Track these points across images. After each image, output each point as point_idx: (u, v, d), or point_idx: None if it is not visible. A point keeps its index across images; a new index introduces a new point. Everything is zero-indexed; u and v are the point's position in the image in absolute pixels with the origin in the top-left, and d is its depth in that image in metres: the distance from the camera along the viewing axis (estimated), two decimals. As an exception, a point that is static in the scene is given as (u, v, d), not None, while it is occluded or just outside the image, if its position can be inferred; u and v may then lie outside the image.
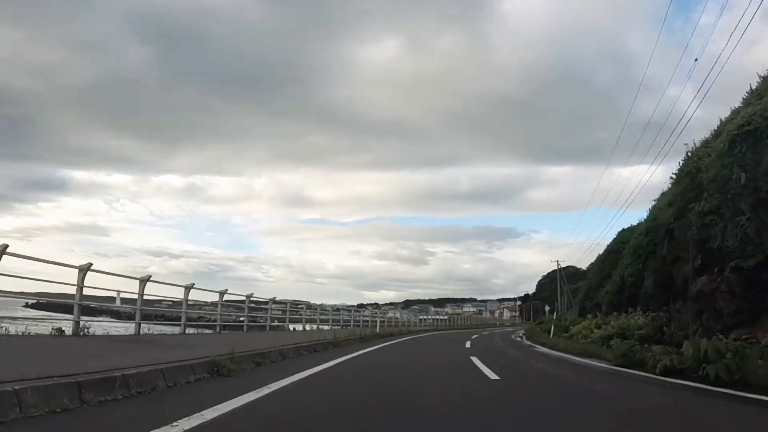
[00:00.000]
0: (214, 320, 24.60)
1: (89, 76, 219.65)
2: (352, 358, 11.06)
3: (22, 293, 13.35)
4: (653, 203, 25.50)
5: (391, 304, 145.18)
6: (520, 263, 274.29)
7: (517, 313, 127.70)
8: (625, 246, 27.64)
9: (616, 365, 11.02)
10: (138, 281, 11.34)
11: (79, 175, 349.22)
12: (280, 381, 6.27)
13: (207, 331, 16.64)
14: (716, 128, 19.10)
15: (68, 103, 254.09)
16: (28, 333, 9.26)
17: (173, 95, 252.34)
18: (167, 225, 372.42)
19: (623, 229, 33.15)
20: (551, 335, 26.07)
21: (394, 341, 20.86)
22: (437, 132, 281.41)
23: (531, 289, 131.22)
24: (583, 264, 68.33)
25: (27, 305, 28.82)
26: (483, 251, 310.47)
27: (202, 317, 27.10)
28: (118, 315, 26.20)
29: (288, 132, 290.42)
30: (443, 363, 11.49)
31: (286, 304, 22.31)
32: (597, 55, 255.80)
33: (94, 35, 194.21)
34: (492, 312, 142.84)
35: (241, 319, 22.37)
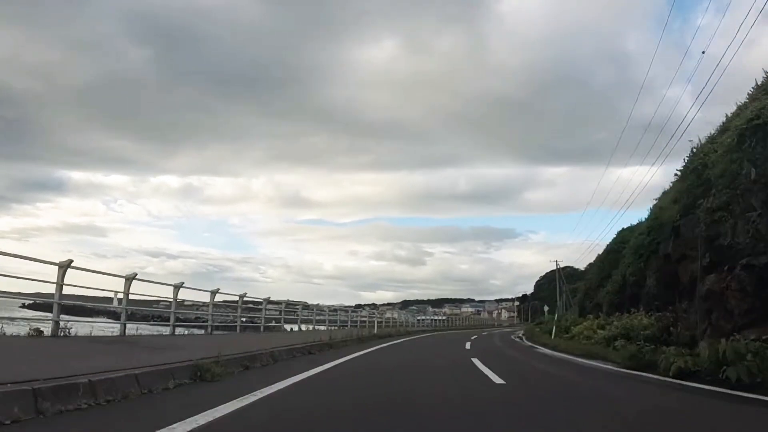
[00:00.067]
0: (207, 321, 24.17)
1: (88, 76, 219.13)
2: (348, 360, 10.53)
3: (19, 294, 12.89)
4: (654, 202, 25.23)
5: (388, 304, 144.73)
6: (518, 264, 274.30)
7: (515, 314, 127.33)
8: (625, 245, 27.38)
9: (624, 367, 10.55)
10: (123, 279, 10.79)
11: (77, 175, 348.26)
12: (269, 387, 5.75)
13: (198, 331, 16.10)
14: (721, 124, 18.76)
15: (67, 103, 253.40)
16: (3, 333, 8.70)
17: (172, 95, 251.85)
18: (165, 225, 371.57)
19: (623, 228, 33.00)
20: (552, 336, 25.61)
21: (393, 342, 20.36)
22: (436, 132, 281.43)
23: (529, 289, 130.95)
24: (581, 264, 68.06)
25: (24, 306, 28.44)
26: (481, 252, 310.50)
27: (199, 318, 26.65)
28: (116, 316, 25.83)
29: (287, 132, 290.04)
30: (444, 364, 11.02)
31: (281, 304, 21.76)
32: (594, 56, 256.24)
33: (93, 35, 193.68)
34: (490, 312, 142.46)
35: (240, 319, 21.89)
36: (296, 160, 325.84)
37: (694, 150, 18.75)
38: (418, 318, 58.85)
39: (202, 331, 15.95)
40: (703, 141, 18.82)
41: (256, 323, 19.93)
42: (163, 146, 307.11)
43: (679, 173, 19.63)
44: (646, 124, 65.52)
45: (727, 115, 18.74)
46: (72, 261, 8.99)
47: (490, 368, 9.27)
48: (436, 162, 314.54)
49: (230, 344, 9.89)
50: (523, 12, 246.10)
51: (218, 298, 19.49)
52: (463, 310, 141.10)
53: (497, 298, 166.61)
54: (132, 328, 14.95)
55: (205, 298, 15.38)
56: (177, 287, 12.94)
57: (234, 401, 4.64)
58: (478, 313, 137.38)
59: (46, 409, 3.77)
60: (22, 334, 9.26)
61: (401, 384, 7.18)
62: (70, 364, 5.22)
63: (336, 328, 26.39)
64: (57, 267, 8.94)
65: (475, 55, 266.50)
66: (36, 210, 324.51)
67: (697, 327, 13.50)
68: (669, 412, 5.50)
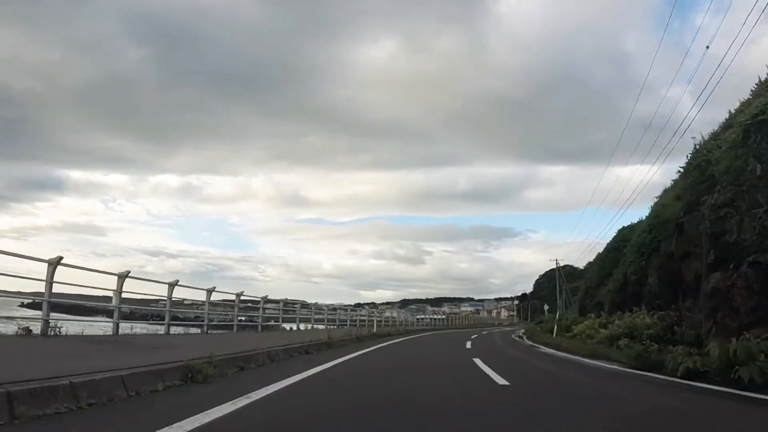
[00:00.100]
0: (211, 320, 23.90)
1: (88, 76, 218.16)
2: (347, 360, 10.27)
3: (19, 293, 12.69)
4: (655, 200, 25.06)
5: (388, 303, 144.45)
6: (517, 263, 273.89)
7: (515, 313, 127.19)
8: (626, 244, 27.28)
9: (630, 367, 10.29)
10: (116, 277, 10.53)
11: (76, 174, 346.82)
12: (264, 388, 5.50)
13: (195, 330, 15.84)
14: (724, 121, 18.59)
15: (67, 103, 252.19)
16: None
17: (172, 95, 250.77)
18: (164, 225, 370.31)
19: (623, 227, 32.98)
20: (554, 335, 25.39)
21: (392, 341, 20.11)
22: (435, 132, 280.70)
23: (528, 288, 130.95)
24: (581, 263, 67.92)
25: (23, 305, 28.24)
26: (480, 251, 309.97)
27: (198, 317, 26.44)
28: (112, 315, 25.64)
29: (286, 132, 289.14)
30: (446, 365, 10.79)
31: (279, 302, 21.51)
32: (593, 56, 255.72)
33: (93, 35, 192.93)
34: (489, 311, 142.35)
35: (238, 318, 21.67)
36: (296, 160, 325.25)
37: (697, 147, 18.57)
38: (418, 317, 58.63)
39: (198, 330, 15.68)
40: (705, 138, 18.65)
41: (255, 322, 19.70)
42: (163, 145, 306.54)
43: (681, 170, 19.42)
44: (646, 124, 65.53)
45: (730, 112, 18.57)
46: (62, 258, 8.74)
47: (492, 368, 9.01)
48: (436, 161, 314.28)
49: (225, 344, 9.65)
50: (523, 12, 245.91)
51: (217, 297, 19.29)
52: (463, 309, 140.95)
53: (496, 297, 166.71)
54: (127, 328, 14.71)
55: (203, 296, 15.14)
56: (171, 285, 12.68)
57: (226, 404, 4.39)
58: (478, 312, 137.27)
59: (21, 413, 3.52)
60: (10, 333, 8.99)
61: (401, 384, 6.99)
62: (54, 365, 4.97)
63: (335, 327, 26.14)
64: (47, 264, 8.68)
65: (474, 55, 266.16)
66: (35, 209, 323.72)
67: (702, 326, 13.28)
68: (679, 414, 5.27)
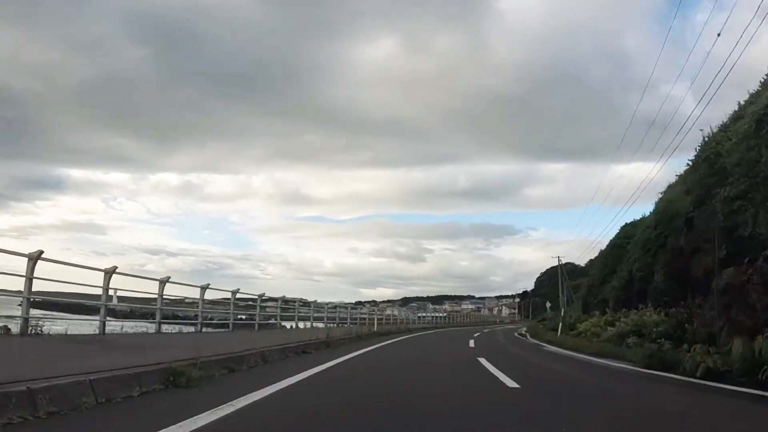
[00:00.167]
0: (211, 318, 23.48)
1: (88, 76, 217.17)
2: (345, 360, 9.77)
3: (19, 292, 12.16)
4: (660, 195, 24.62)
5: (389, 301, 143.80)
6: (518, 260, 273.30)
7: (516, 311, 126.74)
8: (629, 241, 26.99)
9: (644, 367, 9.79)
10: (103, 273, 10.03)
11: (77, 173, 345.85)
12: (255, 393, 5.00)
13: (188, 329, 15.36)
14: (734, 112, 18.15)
15: (67, 103, 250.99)
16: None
17: (172, 95, 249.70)
18: (164, 223, 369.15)
19: (626, 224, 32.68)
20: (559, 333, 24.92)
21: (393, 340, 19.63)
22: (435, 130, 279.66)
23: (529, 286, 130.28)
24: (582, 261, 67.44)
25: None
26: (481, 248, 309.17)
27: (198, 315, 26.09)
28: (113, 313, 25.43)
29: (286, 131, 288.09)
30: (450, 365, 10.34)
31: (277, 300, 21.03)
32: (593, 54, 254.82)
33: (93, 35, 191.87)
34: (490, 309, 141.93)
35: (239, 316, 21.23)
36: (296, 158, 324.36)
37: (706, 139, 18.08)
38: (419, 315, 58.18)
39: (192, 329, 15.19)
40: (714, 130, 18.17)
41: (253, 321, 19.22)
42: (163, 144, 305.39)
43: (689, 164, 18.94)
44: (645, 121, 65.02)
45: (739, 103, 18.12)
46: (42, 252, 8.23)
47: (499, 369, 8.50)
48: (436, 159, 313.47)
49: (218, 343, 9.18)
50: (522, 10, 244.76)
51: (214, 295, 18.81)
52: (464, 307, 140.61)
53: (497, 294, 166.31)
54: (118, 326, 14.27)
55: (201, 293, 14.63)
56: (162, 282, 12.18)
57: (204, 414, 3.88)
58: (479, 310, 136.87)
59: (-38, 427, 3.03)
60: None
61: (403, 384, 6.53)
62: (17, 368, 4.47)
63: (334, 325, 25.68)
64: (27, 259, 8.19)
65: (474, 54, 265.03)
66: (35, 208, 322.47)
67: (715, 323, 12.79)
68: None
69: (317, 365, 8.11)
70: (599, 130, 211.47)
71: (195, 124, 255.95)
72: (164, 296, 12.55)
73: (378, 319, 30.94)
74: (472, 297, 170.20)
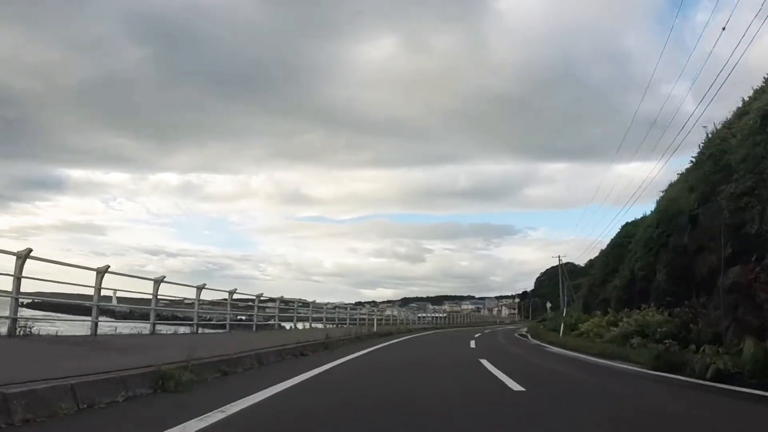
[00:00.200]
0: (210, 318, 23.25)
1: (88, 76, 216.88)
2: (344, 363, 9.50)
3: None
4: (661, 194, 24.40)
5: (388, 302, 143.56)
6: (518, 260, 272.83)
7: (516, 311, 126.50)
8: (630, 240, 26.83)
9: (651, 369, 9.53)
10: (95, 273, 9.77)
11: (76, 173, 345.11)
12: (247, 398, 4.72)
13: (184, 330, 15.10)
14: (737, 108, 17.93)
15: (67, 103, 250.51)
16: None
17: (172, 95, 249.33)
18: (164, 223, 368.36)
19: (627, 223, 32.53)
20: (561, 334, 24.67)
21: (393, 341, 19.37)
22: (435, 130, 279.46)
23: (528, 286, 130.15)
24: (581, 261, 67.20)
25: (22, 305, 27.67)
26: (480, 248, 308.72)
27: (200, 317, 25.93)
28: (112, 314, 25.29)
29: (286, 130, 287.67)
30: (452, 366, 10.09)
31: (275, 301, 20.77)
32: (593, 54, 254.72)
33: (93, 35, 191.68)
34: (490, 309, 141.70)
35: (240, 317, 20.99)
36: (296, 158, 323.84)
37: (709, 135, 17.86)
38: (419, 315, 57.94)
39: (188, 330, 14.94)
40: (718, 127, 17.96)
41: (252, 322, 18.97)
42: (163, 144, 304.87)
43: (693, 160, 18.72)
44: (645, 121, 64.74)
45: (743, 99, 17.88)
46: (31, 250, 7.97)
47: (502, 371, 8.23)
48: (436, 159, 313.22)
49: (214, 345, 8.93)
50: (523, 10, 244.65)
51: (214, 295, 18.57)
52: (463, 307, 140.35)
53: (497, 294, 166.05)
54: (112, 327, 14.03)
55: (197, 294, 14.41)
56: (157, 282, 11.92)
57: (192, 422, 3.63)
58: (478, 310, 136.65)
59: None
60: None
61: (403, 383, 6.20)
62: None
63: (333, 326, 25.43)
64: (15, 258, 7.93)
65: (474, 54, 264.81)
66: (35, 209, 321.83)
67: (720, 323, 12.55)
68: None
69: (314, 368, 7.84)
70: (599, 130, 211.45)
71: (195, 124, 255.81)
72: (161, 297, 12.33)
73: (377, 320, 30.68)
74: (472, 297, 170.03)
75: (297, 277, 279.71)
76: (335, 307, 30.03)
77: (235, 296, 17.44)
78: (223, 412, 4.03)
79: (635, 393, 6.74)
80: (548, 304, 49.47)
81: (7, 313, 10.34)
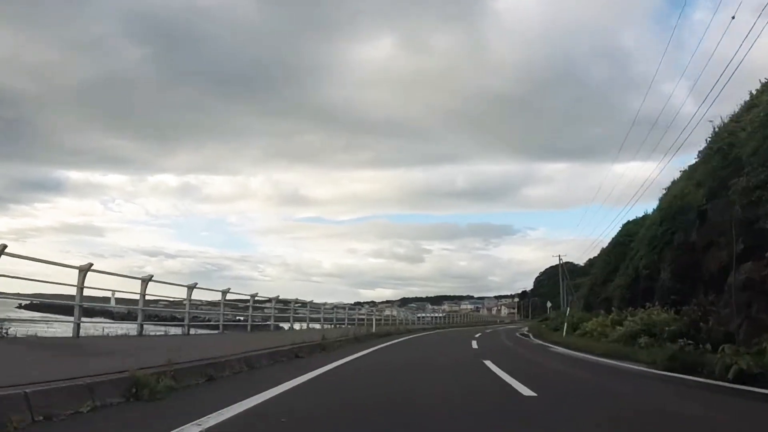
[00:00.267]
0: (208, 319, 22.78)
1: (87, 76, 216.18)
2: (340, 366, 8.99)
3: (18, 294, 11.62)
4: (664, 192, 24.03)
5: (387, 302, 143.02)
6: (517, 260, 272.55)
7: (515, 311, 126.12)
8: (631, 239, 26.57)
9: (663, 369, 9.06)
10: (78, 271, 9.26)
11: (75, 175, 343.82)
12: (227, 408, 4.20)
13: (176, 331, 14.62)
14: (745, 102, 17.55)
15: (66, 103, 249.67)
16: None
17: (171, 95, 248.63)
18: (163, 225, 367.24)
19: (628, 221, 32.26)
20: (564, 334, 24.23)
21: (392, 341, 18.90)
22: (435, 130, 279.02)
23: (528, 286, 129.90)
24: (581, 261, 66.84)
25: (20, 306, 27.35)
26: (479, 248, 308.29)
27: (197, 317, 25.50)
28: (111, 315, 24.92)
29: (285, 131, 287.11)
30: (454, 367, 9.65)
31: (271, 301, 20.27)
32: (593, 54, 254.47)
33: (93, 35, 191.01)
34: (489, 309, 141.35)
35: (238, 318, 20.51)
36: (295, 158, 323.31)
37: (716, 129, 17.43)
38: (418, 315, 57.49)
39: (180, 331, 14.44)
40: (725, 120, 17.55)
41: (246, 322, 18.48)
42: (162, 145, 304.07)
43: (699, 156, 18.31)
44: (646, 120, 64.47)
45: (751, 93, 17.49)
46: (6, 246, 7.46)
47: (509, 374, 7.72)
48: (435, 159, 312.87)
49: (203, 346, 8.44)
50: (522, 10, 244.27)
51: (209, 296, 18.07)
52: (462, 307, 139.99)
53: (496, 294, 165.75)
54: (109, 328, 13.59)
55: (199, 295, 13.97)
56: (145, 281, 11.41)
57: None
58: (478, 310, 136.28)
59: None
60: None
61: (403, 383, 5.71)
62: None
63: (331, 326, 24.93)
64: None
65: (474, 54, 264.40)
66: (34, 210, 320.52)
67: (732, 321, 12.11)
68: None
69: (308, 371, 7.35)
70: (599, 130, 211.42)
71: (194, 125, 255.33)
72: (157, 297, 11.88)
73: (376, 320, 30.20)
74: (471, 297, 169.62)
75: (296, 278, 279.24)
76: (333, 307, 29.56)
77: (229, 296, 16.94)
78: (198, 425, 3.53)
79: (649, 396, 6.26)
80: (549, 304, 49.07)
81: (4, 315, 9.92)
